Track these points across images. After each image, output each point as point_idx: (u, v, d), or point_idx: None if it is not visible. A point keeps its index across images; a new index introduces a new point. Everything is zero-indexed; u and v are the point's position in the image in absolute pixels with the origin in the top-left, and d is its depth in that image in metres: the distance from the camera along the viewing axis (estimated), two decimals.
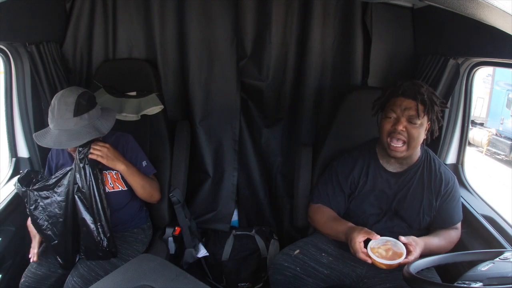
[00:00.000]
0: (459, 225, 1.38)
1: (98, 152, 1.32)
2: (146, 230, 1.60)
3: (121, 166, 1.38)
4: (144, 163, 1.50)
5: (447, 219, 1.36)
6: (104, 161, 1.33)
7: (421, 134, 1.27)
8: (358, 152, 1.44)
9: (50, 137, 1.28)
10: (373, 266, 1.35)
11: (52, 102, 1.30)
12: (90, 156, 1.31)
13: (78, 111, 1.28)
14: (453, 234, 1.35)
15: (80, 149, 1.30)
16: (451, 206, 1.35)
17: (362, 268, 1.38)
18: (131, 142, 1.50)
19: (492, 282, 0.89)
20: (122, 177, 1.45)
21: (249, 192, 2.14)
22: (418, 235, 1.31)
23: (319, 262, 1.39)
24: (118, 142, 1.48)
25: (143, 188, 1.46)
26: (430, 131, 1.30)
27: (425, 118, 1.26)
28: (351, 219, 1.37)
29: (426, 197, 1.34)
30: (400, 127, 1.25)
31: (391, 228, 1.35)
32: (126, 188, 1.46)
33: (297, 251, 1.41)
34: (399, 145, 1.27)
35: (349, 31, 1.85)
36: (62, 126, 1.27)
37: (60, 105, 1.28)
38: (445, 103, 1.34)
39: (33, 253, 1.37)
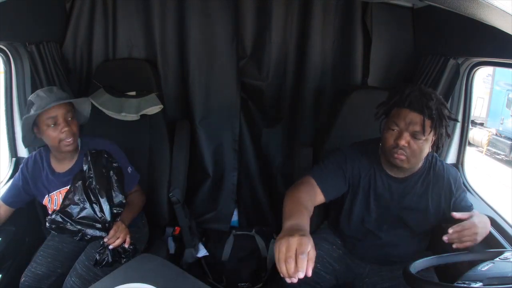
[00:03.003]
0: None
1: (120, 240, 1.28)
2: (141, 228, 1.58)
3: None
4: (129, 169, 1.48)
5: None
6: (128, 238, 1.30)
7: (425, 149, 1.18)
8: (364, 149, 1.32)
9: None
10: (375, 264, 1.36)
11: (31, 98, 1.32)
12: (113, 245, 1.27)
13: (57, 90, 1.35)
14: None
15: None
16: (465, 199, 1.30)
17: (365, 266, 1.38)
18: (116, 149, 1.46)
19: (492, 282, 0.89)
20: None
21: (249, 192, 2.14)
22: (421, 240, 1.30)
23: (332, 256, 1.38)
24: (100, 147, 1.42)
25: (135, 214, 1.48)
26: (436, 145, 1.19)
27: (432, 133, 1.15)
28: (351, 224, 1.33)
29: (432, 201, 1.27)
30: (403, 142, 1.14)
31: (393, 236, 1.31)
32: None
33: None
34: (400, 158, 1.18)
35: (349, 31, 1.85)
36: (45, 94, 1.31)
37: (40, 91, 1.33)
38: (454, 117, 1.25)
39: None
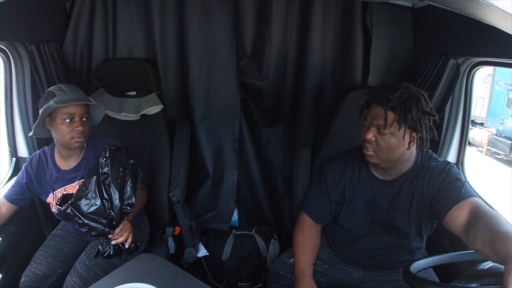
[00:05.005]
0: (476, 200, 1.07)
1: (123, 238, 1.31)
2: (143, 228, 1.59)
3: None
4: None
5: (453, 193, 1.10)
6: (130, 237, 1.34)
7: (394, 145, 1.13)
8: (349, 157, 1.33)
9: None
10: (368, 270, 1.35)
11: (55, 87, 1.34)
12: (116, 242, 1.31)
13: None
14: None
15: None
16: (452, 184, 1.13)
17: (358, 272, 1.37)
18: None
19: (491, 282, 0.89)
20: None
21: (249, 192, 2.14)
22: (415, 246, 1.28)
23: (314, 270, 1.34)
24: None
25: (138, 210, 1.50)
26: (421, 141, 1.14)
27: (398, 128, 1.11)
28: (344, 230, 1.34)
29: (416, 205, 1.21)
30: (369, 136, 1.14)
31: (387, 242, 1.28)
32: None
33: (292, 259, 1.38)
34: (367, 153, 1.18)
35: (349, 31, 1.85)
36: (69, 90, 1.33)
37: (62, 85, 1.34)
38: (431, 112, 1.13)
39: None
